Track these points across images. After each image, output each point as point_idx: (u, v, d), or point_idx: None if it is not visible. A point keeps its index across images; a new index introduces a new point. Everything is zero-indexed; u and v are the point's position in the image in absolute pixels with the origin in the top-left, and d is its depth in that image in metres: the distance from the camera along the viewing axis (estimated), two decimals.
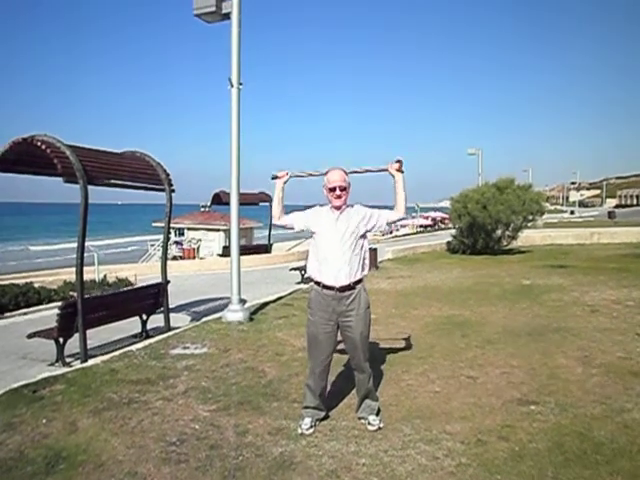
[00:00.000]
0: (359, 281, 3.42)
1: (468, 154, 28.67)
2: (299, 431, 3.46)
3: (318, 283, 3.41)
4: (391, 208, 3.52)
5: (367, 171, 3.57)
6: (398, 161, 3.43)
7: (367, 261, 3.51)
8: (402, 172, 3.42)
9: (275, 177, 3.62)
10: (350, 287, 3.36)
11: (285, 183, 3.61)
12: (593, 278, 10.24)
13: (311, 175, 3.62)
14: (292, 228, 3.60)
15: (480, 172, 27.40)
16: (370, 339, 3.63)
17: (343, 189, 3.36)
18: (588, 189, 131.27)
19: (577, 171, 79.52)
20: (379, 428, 3.48)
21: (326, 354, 3.47)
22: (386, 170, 3.46)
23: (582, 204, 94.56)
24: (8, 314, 8.69)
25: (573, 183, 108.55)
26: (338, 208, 3.39)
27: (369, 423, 3.51)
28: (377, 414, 3.60)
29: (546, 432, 3.37)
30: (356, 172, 3.54)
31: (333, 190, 3.35)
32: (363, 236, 3.45)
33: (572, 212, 64.59)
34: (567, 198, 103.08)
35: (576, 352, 5.14)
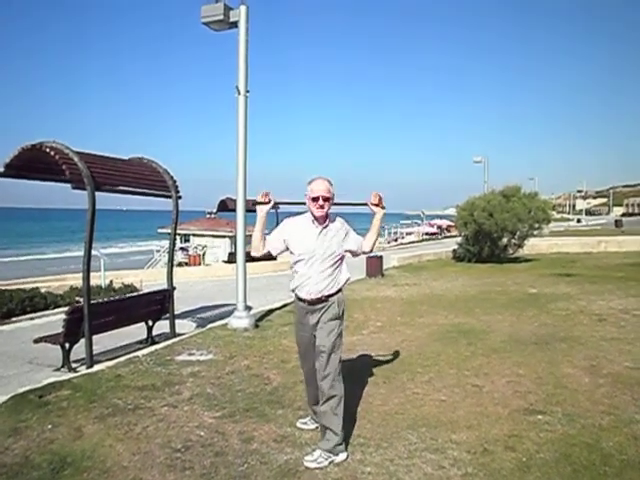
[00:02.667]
0: (333, 294, 3.35)
1: (474, 162, 28.67)
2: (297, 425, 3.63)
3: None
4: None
5: (348, 204, 3.50)
6: (379, 200, 3.39)
7: (343, 275, 3.44)
8: (383, 208, 3.40)
9: (257, 203, 3.27)
10: (321, 300, 3.31)
11: (267, 212, 3.30)
12: (600, 287, 10.18)
13: (298, 204, 3.41)
14: (274, 255, 3.47)
15: (486, 180, 27.42)
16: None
17: (326, 199, 3.20)
18: (595, 197, 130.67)
19: (584, 179, 79.28)
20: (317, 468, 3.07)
21: (310, 363, 3.42)
22: (366, 204, 3.40)
23: (589, 212, 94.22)
24: (15, 319, 8.73)
25: (580, 191, 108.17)
26: (320, 220, 3.25)
27: (308, 460, 3.12)
28: (331, 451, 3.13)
29: (553, 442, 3.34)
30: (337, 204, 3.41)
31: (316, 200, 3.19)
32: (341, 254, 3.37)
33: (579, 220, 64.31)
34: (574, 206, 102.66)
35: (583, 361, 5.10)
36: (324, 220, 3.27)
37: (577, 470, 2.98)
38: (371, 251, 3.52)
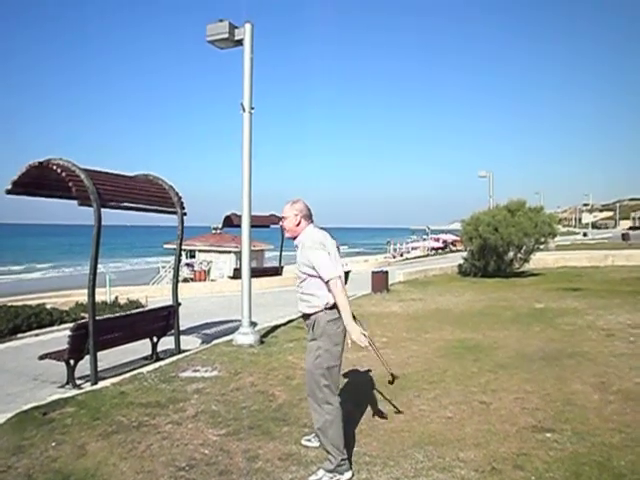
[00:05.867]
0: (312, 314, 3.24)
1: (479, 177, 28.65)
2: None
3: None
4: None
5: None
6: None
7: (316, 296, 3.21)
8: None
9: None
10: (305, 317, 3.32)
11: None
12: (608, 301, 10.08)
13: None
14: None
15: (491, 195, 27.34)
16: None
17: (281, 219, 3.45)
18: (601, 211, 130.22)
19: (590, 193, 78.69)
20: None
21: None
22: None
23: (595, 226, 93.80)
24: (21, 335, 8.74)
25: (586, 205, 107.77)
26: (291, 239, 3.44)
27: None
28: (333, 471, 3.11)
29: (563, 461, 3.28)
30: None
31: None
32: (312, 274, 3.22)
33: (585, 234, 64.02)
34: (580, 220, 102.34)
35: (592, 378, 5.03)
36: (293, 237, 3.40)
37: None
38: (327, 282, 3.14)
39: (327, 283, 3.11)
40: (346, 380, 4.95)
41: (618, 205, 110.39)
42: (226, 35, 7.32)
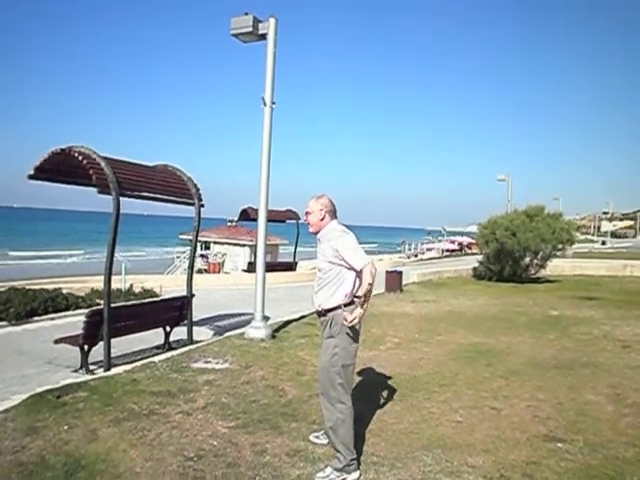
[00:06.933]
0: (330, 309, 3.21)
1: (498, 180, 28.38)
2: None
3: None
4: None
5: None
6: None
7: (337, 290, 3.20)
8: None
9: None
10: (321, 313, 3.27)
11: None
12: (625, 312, 9.92)
13: None
14: None
15: (509, 199, 27.07)
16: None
17: (306, 213, 3.42)
18: (621, 219, 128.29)
19: (610, 201, 77.20)
20: None
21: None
22: None
23: (614, 235, 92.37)
24: (37, 318, 8.89)
25: (605, 213, 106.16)
26: (314, 234, 3.40)
27: (319, 477, 3.12)
28: (341, 470, 3.10)
29: (574, 472, 3.23)
30: None
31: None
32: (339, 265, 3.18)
33: (604, 242, 63.18)
34: (599, 228, 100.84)
35: (606, 389, 4.96)
36: (316, 232, 3.36)
37: None
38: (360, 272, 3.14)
39: (360, 270, 3.08)
40: (356, 379, 4.93)
41: (639, 214, 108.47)
42: (250, 29, 7.32)
